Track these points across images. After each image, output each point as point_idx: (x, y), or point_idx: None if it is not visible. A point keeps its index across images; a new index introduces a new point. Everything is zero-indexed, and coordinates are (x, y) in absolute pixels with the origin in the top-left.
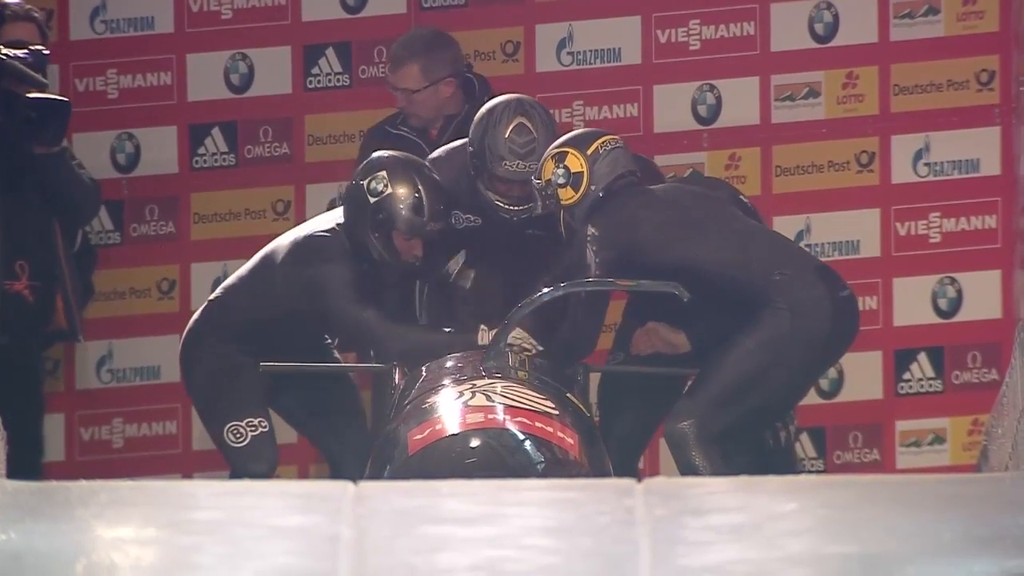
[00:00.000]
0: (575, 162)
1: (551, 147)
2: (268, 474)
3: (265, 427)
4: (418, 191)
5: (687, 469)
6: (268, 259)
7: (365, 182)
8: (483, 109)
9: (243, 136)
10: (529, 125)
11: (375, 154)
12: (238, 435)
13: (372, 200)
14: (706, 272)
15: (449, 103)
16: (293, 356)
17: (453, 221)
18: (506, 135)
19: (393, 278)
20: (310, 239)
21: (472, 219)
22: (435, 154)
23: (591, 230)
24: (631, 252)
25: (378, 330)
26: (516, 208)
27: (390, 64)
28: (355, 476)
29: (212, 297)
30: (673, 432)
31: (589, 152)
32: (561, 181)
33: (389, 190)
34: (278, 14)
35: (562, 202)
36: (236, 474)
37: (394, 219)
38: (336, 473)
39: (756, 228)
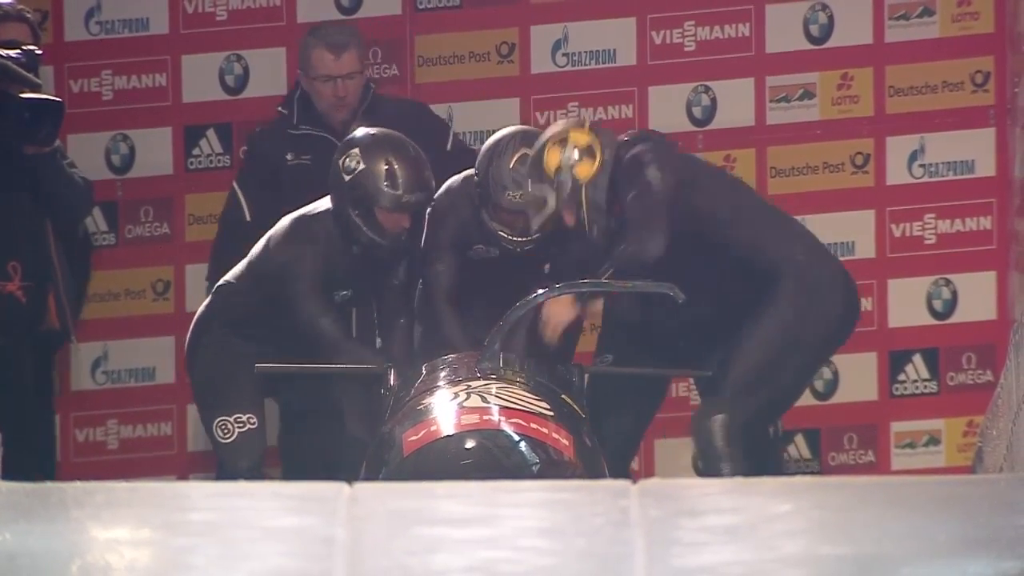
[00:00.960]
0: (580, 137)
1: (540, 142)
2: (252, 470)
3: (254, 424)
4: (391, 164)
5: (715, 462)
6: (265, 241)
7: (340, 160)
8: (490, 140)
9: (238, 137)
10: None
11: (354, 132)
12: (225, 430)
13: (347, 178)
14: (733, 238)
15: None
16: (295, 342)
17: (471, 254)
18: (510, 165)
19: (384, 254)
20: (299, 220)
21: (491, 251)
22: (447, 184)
23: (647, 155)
24: (687, 187)
25: (328, 336)
26: (519, 239)
27: (328, 52)
28: (340, 476)
29: (220, 283)
30: (703, 427)
31: (586, 127)
32: (576, 157)
33: (362, 166)
34: (273, 15)
35: (581, 180)
36: (222, 469)
37: (369, 194)
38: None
39: (772, 206)
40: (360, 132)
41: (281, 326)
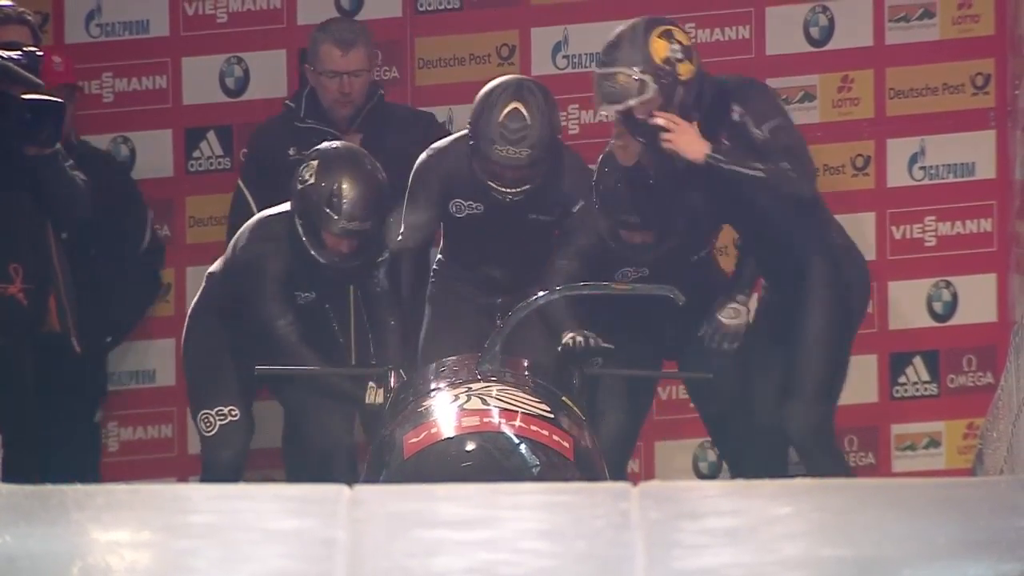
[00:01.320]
0: (683, 36)
1: (636, 27)
2: (234, 462)
3: (235, 415)
4: (339, 187)
5: (821, 468)
6: (236, 236)
7: (300, 167)
8: (483, 90)
9: (238, 140)
10: (524, 111)
11: (322, 143)
12: (208, 424)
13: (298, 187)
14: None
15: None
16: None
17: (454, 210)
18: (499, 119)
19: (327, 272)
20: (262, 219)
21: (474, 206)
22: (437, 144)
23: (768, 88)
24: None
25: (284, 340)
26: (509, 191)
27: (336, 48)
28: (340, 478)
29: (208, 271)
30: (803, 437)
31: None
32: (680, 56)
33: (312, 181)
34: (273, 18)
35: (682, 77)
36: (205, 462)
37: (309, 211)
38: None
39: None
40: (326, 144)
41: (251, 319)
